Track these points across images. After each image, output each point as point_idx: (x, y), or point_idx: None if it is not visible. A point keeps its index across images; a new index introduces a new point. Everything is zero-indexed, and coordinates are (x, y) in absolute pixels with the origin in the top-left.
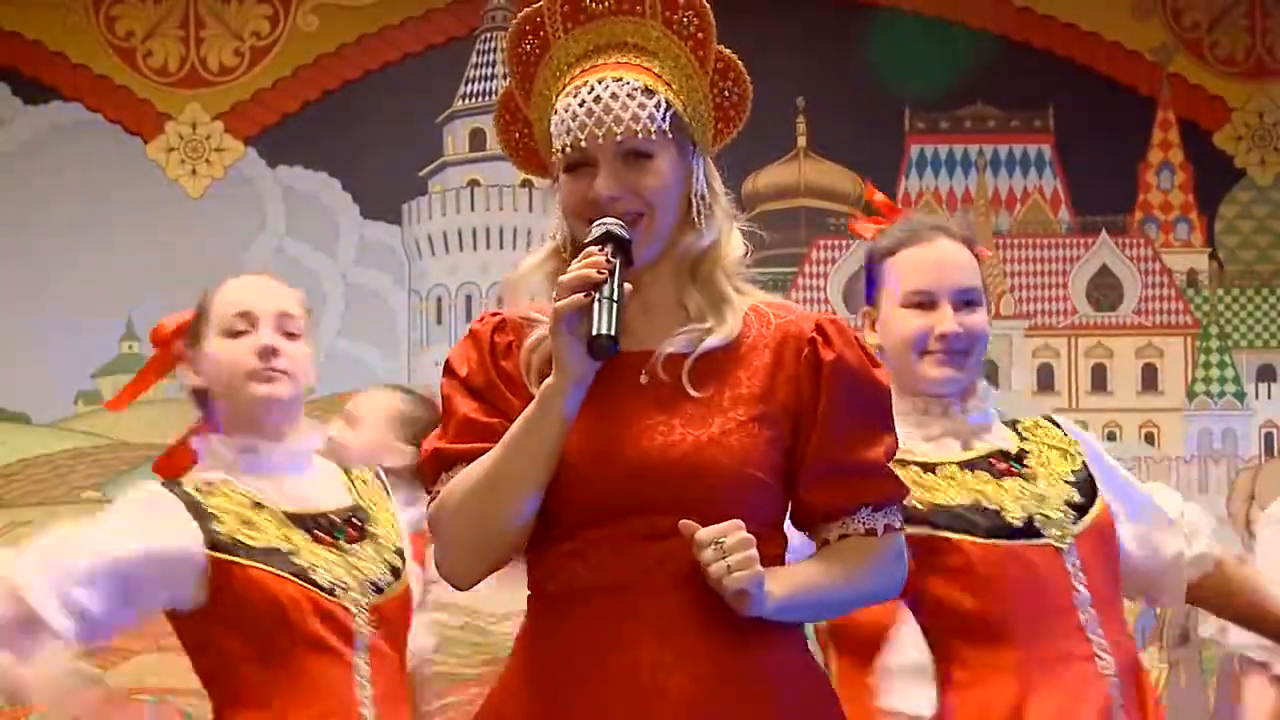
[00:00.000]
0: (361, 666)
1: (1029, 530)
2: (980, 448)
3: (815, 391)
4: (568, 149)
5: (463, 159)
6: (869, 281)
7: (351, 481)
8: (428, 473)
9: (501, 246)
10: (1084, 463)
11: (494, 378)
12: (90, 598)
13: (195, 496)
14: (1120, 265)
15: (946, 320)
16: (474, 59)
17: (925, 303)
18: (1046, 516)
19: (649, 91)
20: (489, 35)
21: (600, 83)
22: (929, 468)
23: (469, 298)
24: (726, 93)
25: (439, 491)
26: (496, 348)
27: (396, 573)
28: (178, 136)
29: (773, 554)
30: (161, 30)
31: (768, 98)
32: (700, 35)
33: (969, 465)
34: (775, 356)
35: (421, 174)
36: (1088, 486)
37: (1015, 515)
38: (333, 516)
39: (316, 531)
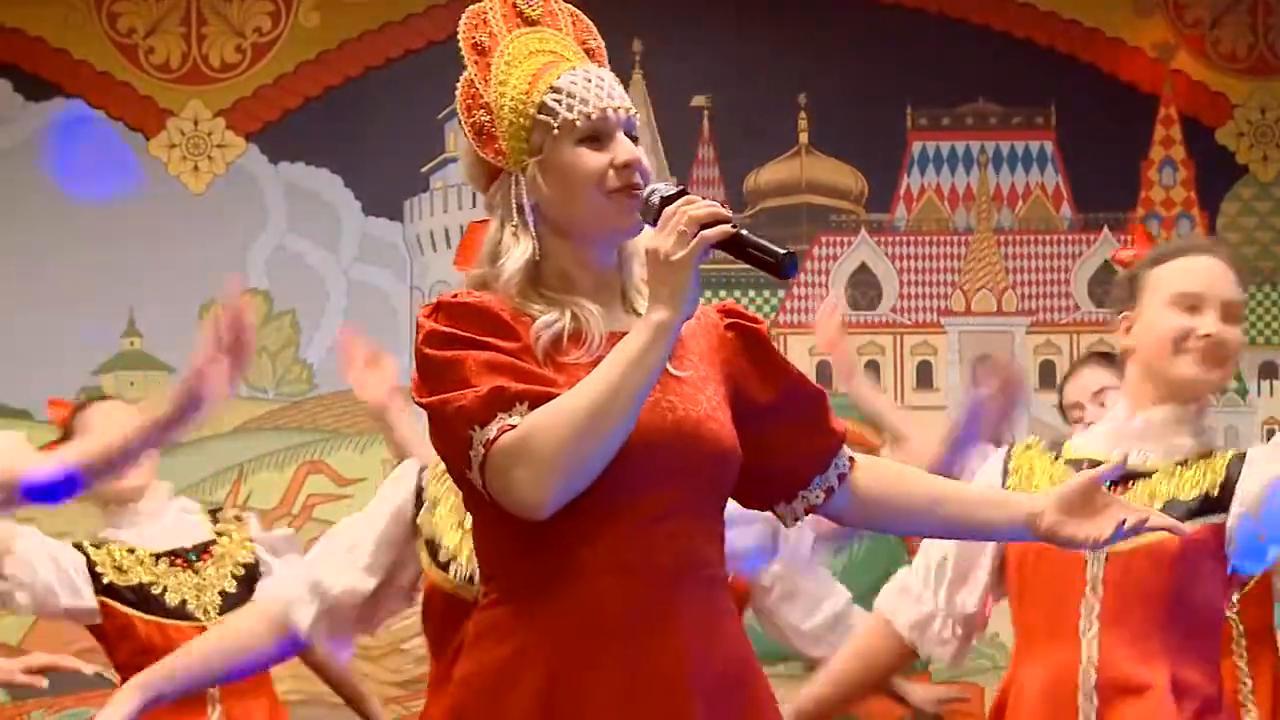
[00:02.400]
0: None
1: None
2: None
3: (760, 359)
4: (593, 116)
5: None
6: (1130, 287)
7: None
8: (475, 411)
9: None
10: (1204, 495)
11: (526, 343)
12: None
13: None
14: None
15: (1211, 323)
16: None
17: (1193, 305)
18: None
19: None
20: None
21: (588, 68)
22: (1071, 462)
23: None
24: None
25: (509, 426)
26: (504, 319)
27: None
28: (179, 133)
29: (721, 532)
30: (163, 27)
31: (770, 94)
32: (598, 62)
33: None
34: (707, 341)
35: (424, 170)
36: (1186, 516)
37: None
38: None
39: None
